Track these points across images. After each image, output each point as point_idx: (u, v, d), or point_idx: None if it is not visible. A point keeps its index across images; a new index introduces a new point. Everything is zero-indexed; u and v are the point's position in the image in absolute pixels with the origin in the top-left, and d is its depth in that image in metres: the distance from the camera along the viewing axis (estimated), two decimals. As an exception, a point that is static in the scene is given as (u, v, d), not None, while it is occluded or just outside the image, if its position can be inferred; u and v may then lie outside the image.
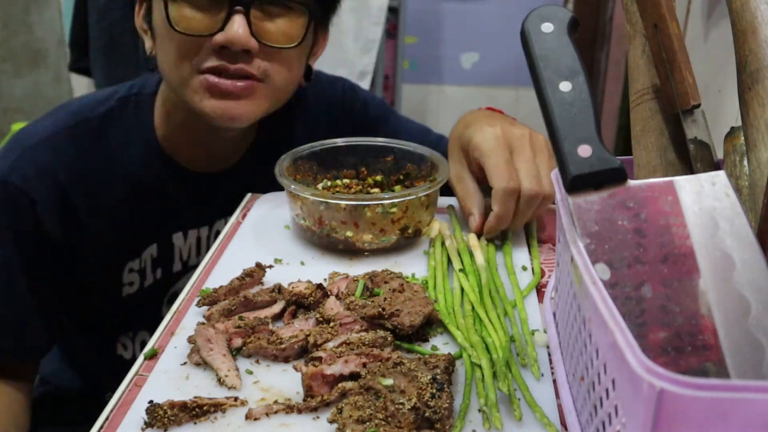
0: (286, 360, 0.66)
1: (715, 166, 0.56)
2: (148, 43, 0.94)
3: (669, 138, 0.60)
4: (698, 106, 0.57)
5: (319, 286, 0.73)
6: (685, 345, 0.46)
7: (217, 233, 1.05)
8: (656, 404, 0.36)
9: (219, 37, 0.84)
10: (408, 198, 0.83)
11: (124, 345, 1.06)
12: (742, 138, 0.55)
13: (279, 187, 0.87)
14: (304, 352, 0.66)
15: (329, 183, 0.96)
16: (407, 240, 0.86)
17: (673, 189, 0.51)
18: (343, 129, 1.11)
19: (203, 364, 0.65)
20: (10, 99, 2.73)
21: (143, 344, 1.05)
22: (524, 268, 0.82)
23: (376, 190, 0.96)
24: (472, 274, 0.77)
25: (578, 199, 0.51)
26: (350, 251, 0.85)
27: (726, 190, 0.50)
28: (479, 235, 0.85)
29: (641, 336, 0.46)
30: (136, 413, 0.58)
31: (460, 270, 0.78)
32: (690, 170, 0.58)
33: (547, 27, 0.54)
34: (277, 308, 0.72)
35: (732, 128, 0.58)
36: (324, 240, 0.85)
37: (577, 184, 0.51)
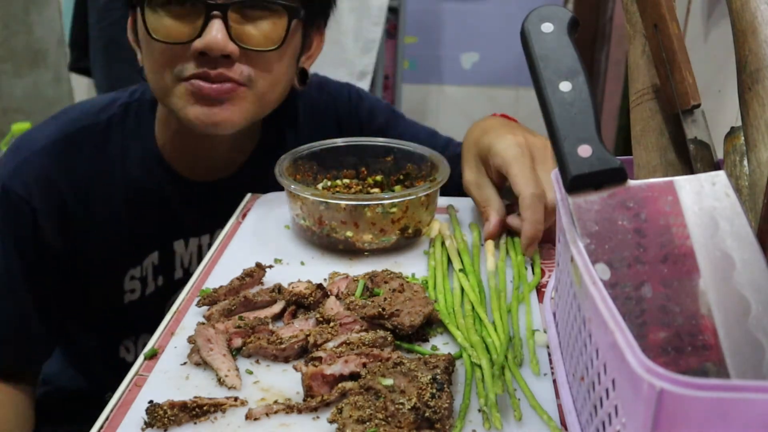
0: (286, 360, 0.66)
1: (715, 166, 0.56)
2: (139, 55, 0.94)
3: (669, 138, 0.60)
4: (698, 106, 0.57)
5: (319, 286, 0.73)
6: (685, 345, 0.46)
7: None
8: (656, 404, 0.36)
9: (197, 44, 0.83)
10: (408, 198, 0.83)
11: (127, 348, 1.06)
12: (742, 138, 0.55)
13: (279, 188, 0.87)
14: (304, 352, 0.66)
15: (329, 183, 0.96)
16: (407, 240, 0.86)
17: (673, 189, 0.51)
18: (350, 134, 1.11)
19: (203, 364, 0.65)
20: (10, 99, 2.73)
21: None
22: (524, 268, 0.82)
23: (376, 190, 0.96)
24: (472, 274, 0.77)
25: (578, 199, 0.51)
26: (350, 251, 0.85)
27: (726, 190, 0.50)
28: (493, 240, 0.84)
29: (641, 336, 0.46)
30: (136, 413, 0.58)
31: (460, 270, 0.78)
32: (690, 170, 0.58)
33: (547, 27, 0.54)
34: (277, 308, 0.72)
35: (732, 128, 0.58)
36: (324, 240, 0.85)
37: (577, 184, 0.51)
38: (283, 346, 0.65)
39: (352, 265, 0.83)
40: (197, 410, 0.58)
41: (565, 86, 0.52)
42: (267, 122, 1.02)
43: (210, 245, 1.04)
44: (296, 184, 0.84)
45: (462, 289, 0.74)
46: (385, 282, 0.73)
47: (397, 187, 0.96)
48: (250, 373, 0.64)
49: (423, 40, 3.20)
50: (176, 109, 0.88)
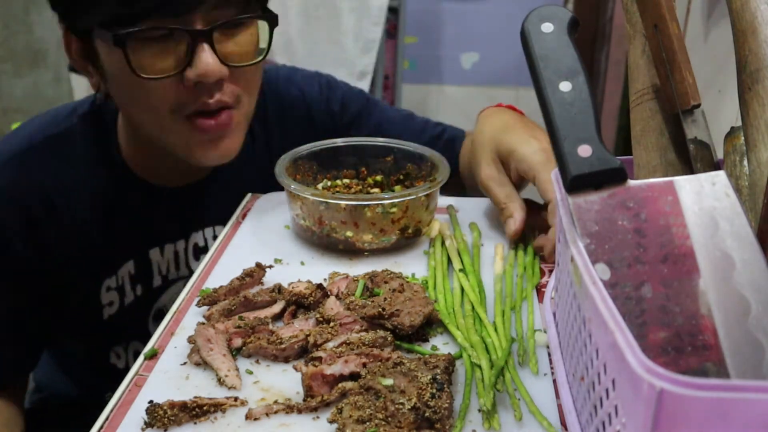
0: (286, 360, 0.66)
1: (715, 166, 0.56)
2: (91, 81, 0.90)
3: (669, 138, 0.60)
4: (698, 106, 0.57)
5: (319, 286, 0.73)
6: (685, 345, 0.46)
7: (195, 246, 1.03)
8: (656, 404, 0.36)
9: (190, 74, 0.80)
10: (408, 198, 0.83)
11: (117, 354, 1.05)
12: (742, 138, 0.55)
13: (279, 188, 0.87)
14: (304, 352, 0.66)
15: (329, 183, 0.96)
16: (407, 240, 0.86)
17: (673, 189, 0.51)
18: (323, 126, 1.09)
19: (203, 364, 0.65)
20: (10, 99, 2.74)
21: (137, 354, 1.03)
22: (524, 268, 0.82)
23: (376, 190, 0.96)
24: (472, 274, 0.77)
25: (578, 199, 0.51)
26: (350, 251, 0.85)
27: (726, 190, 0.50)
28: (515, 241, 0.84)
29: (641, 336, 0.46)
30: (136, 413, 0.58)
31: (460, 270, 0.78)
32: (690, 170, 0.58)
33: (547, 27, 0.54)
34: (277, 308, 0.72)
35: (732, 128, 0.58)
36: (324, 240, 0.85)
37: (577, 184, 0.51)
38: (283, 346, 0.65)
39: (352, 265, 0.83)
40: (197, 410, 0.58)
41: (565, 86, 0.52)
42: None
43: (186, 250, 1.03)
44: (296, 184, 0.84)
45: (462, 289, 0.74)
46: (385, 282, 0.73)
47: (397, 187, 0.96)
48: (250, 373, 0.64)
49: (423, 40, 3.20)
50: (176, 146, 0.87)
